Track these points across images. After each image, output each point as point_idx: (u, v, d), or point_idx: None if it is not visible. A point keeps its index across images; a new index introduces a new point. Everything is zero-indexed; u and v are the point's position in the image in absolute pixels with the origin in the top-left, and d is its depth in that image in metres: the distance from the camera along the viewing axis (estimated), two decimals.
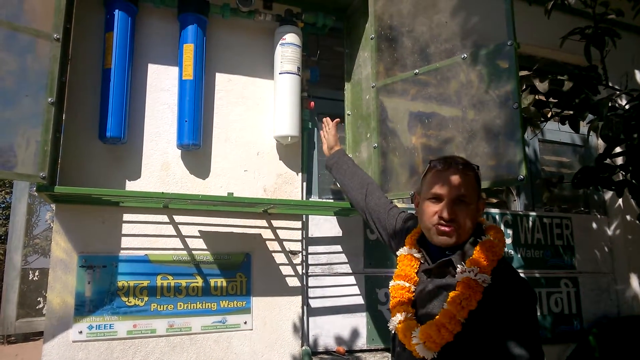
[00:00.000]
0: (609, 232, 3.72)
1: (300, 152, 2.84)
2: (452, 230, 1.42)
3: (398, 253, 1.62)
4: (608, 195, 3.77)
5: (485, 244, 1.42)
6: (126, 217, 2.42)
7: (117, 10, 2.38)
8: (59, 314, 2.24)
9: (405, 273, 1.53)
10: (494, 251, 1.40)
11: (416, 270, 1.53)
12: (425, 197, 1.49)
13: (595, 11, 2.71)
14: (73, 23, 2.36)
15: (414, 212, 1.72)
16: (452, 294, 1.37)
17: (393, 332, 1.50)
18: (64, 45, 2.11)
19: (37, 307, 7.52)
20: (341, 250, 2.88)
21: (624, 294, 3.59)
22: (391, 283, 1.55)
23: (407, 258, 1.57)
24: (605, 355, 3.29)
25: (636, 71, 3.89)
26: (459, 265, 1.40)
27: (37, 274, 7.76)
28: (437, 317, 1.36)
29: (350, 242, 2.90)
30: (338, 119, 2.52)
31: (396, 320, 1.46)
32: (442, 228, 1.43)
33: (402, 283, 1.51)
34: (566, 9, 3.52)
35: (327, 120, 2.50)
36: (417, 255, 1.55)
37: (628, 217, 3.64)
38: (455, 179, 1.44)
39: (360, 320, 2.83)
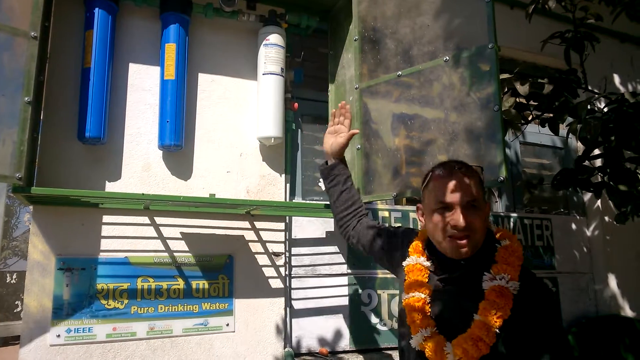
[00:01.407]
0: (588, 233, 3.78)
1: (284, 153, 2.83)
2: (469, 239, 1.32)
3: (405, 263, 1.51)
4: (587, 196, 3.83)
5: (507, 249, 1.36)
6: (106, 218, 2.38)
7: (97, 9, 2.34)
8: (36, 318, 2.19)
9: (418, 284, 1.42)
10: (518, 256, 1.35)
11: (427, 280, 1.43)
12: (433, 208, 1.37)
13: (575, 16, 2.75)
14: (52, 21, 2.32)
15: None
16: (482, 304, 1.29)
17: (415, 349, 1.38)
18: (42, 43, 2.07)
19: (15, 311, 7.37)
20: (324, 251, 2.87)
21: (602, 294, 3.65)
22: (404, 296, 1.44)
23: (416, 268, 1.45)
24: (585, 354, 3.34)
25: (614, 75, 3.96)
26: (486, 273, 1.33)
27: (14, 276, 7.61)
28: (471, 329, 1.28)
29: (334, 244, 2.90)
30: (357, 130, 2.19)
31: (420, 336, 1.35)
32: (459, 241, 1.32)
33: (417, 295, 1.40)
34: (547, 13, 3.58)
35: (346, 109, 2.02)
36: (427, 263, 1.45)
37: (606, 218, 3.70)
38: (462, 183, 1.35)
39: (343, 322, 2.83)
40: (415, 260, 1.47)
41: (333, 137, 1.98)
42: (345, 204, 1.88)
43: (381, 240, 1.71)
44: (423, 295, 1.39)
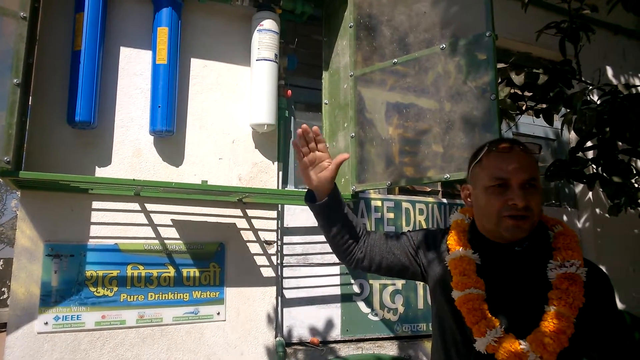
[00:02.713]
0: (579, 225, 3.80)
1: (277, 140, 2.80)
2: (526, 220, 1.21)
3: (448, 258, 1.34)
4: (578, 188, 3.85)
5: (566, 235, 1.27)
6: (95, 204, 2.34)
7: None
8: (23, 305, 2.15)
9: (469, 279, 1.27)
10: (577, 242, 1.26)
11: (477, 274, 1.28)
12: (486, 185, 1.25)
13: (571, 6, 2.74)
14: (42, 2, 2.26)
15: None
16: (553, 293, 1.20)
17: (482, 352, 1.22)
18: (31, 24, 2.03)
19: (1, 298, 7.29)
20: (317, 240, 2.85)
21: None
22: (457, 294, 1.27)
23: (464, 261, 1.30)
24: None
25: (607, 67, 3.97)
26: (551, 261, 1.23)
27: (1, 263, 7.52)
28: (547, 322, 1.18)
29: None
30: (348, 155, 1.53)
31: (489, 339, 1.20)
32: (516, 221, 1.20)
33: (474, 291, 1.25)
34: (542, 4, 3.57)
35: (314, 131, 1.43)
36: (474, 256, 1.30)
37: (598, 210, 3.72)
38: (522, 160, 1.23)
39: (335, 311, 2.82)
40: (461, 253, 1.31)
41: (314, 172, 1.41)
42: (348, 232, 1.46)
43: (407, 242, 1.48)
44: (480, 292, 1.25)
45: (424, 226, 3.15)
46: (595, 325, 1.21)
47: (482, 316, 1.22)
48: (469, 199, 1.34)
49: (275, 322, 2.64)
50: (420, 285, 3.04)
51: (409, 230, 1.53)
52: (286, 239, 2.78)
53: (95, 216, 2.34)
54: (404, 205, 3.13)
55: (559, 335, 1.15)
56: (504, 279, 1.27)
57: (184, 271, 2.46)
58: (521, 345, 1.17)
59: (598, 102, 2.59)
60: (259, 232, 2.67)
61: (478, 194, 1.29)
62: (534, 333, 1.17)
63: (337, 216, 1.44)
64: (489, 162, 1.27)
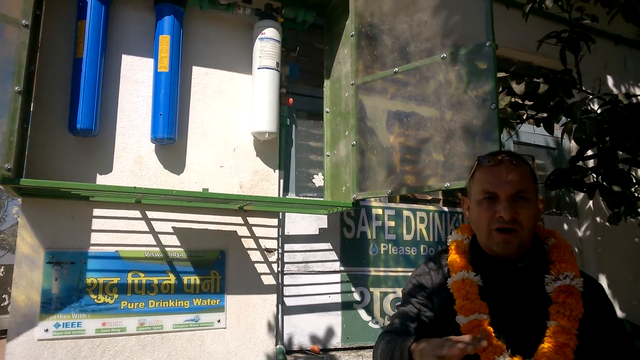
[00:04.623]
0: (580, 233, 3.80)
1: (278, 148, 2.81)
2: (515, 232, 1.21)
3: (450, 281, 1.31)
4: (579, 197, 3.84)
5: (559, 246, 1.28)
6: (96, 212, 2.35)
7: None
8: (23, 312, 2.15)
9: (473, 303, 1.25)
10: (571, 252, 1.27)
11: (479, 297, 1.26)
12: (478, 199, 1.27)
13: (571, 16, 2.75)
14: (44, 9, 2.28)
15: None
16: (553, 307, 1.19)
17: None
18: (33, 32, 2.04)
19: (2, 305, 7.28)
20: (317, 248, 2.86)
21: None
22: (461, 320, 1.24)
23: (465, 284, 1.28)
24: None
25: (608, 76, 3.98)
26: (547, 276, 1.23)
27: (2, 270, 7.51)
28: (550, 337, 1.16)
29: (327, 241, 2.88)
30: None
31: None
32: (504, 235, 1.21)
33: (479, 317, 1.22)
34: (542, 14, 3.59)
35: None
36: (475, 278, 1.28)
37: (598, 219, 3.72)
38: (510, 172, 1.24)
39: (336, 319, 2.82)
40: (462, 276, 1.29)
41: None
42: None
43: (415, 308, 1.35)
44: (485, 316, 1.22)
45: (425, 234, 3.15)
46: (599, 335, 1.20)
47: (489, 342, 1.19)
48: (467, 212, 1.36)
49: (276, 329, 2.63)
50: None
51: (403, 290, 1.43)
52: (287, 246, 2.78)
53: (96, 224, 2.34)
54: (405, 213, 3.13)
55: (563, 350, 1.14)
56: (507, 298, 1.26)
57: (185, 279, 2.46)
58: None
59: (598, 112, 2.60)
60: (260, 240, 2.67)
61: (472, 207, 1.31)
62: (539, 351, 1.16)
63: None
64: (480, 176, 1.29)
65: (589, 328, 1.20)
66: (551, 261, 1.26)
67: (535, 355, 1.17)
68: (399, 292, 2.98)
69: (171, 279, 2.43)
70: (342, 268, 2.89)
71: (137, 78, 2.52)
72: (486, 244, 1.29)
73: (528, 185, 1.25)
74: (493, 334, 1.21)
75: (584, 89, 2.82)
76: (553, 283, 1.22)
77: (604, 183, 2.61)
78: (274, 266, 2.68)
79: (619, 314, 3.66)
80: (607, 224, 2.87)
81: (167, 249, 2.45)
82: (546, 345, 1.16)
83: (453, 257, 1.35)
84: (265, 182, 2.74)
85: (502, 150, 1.34)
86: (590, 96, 2.66)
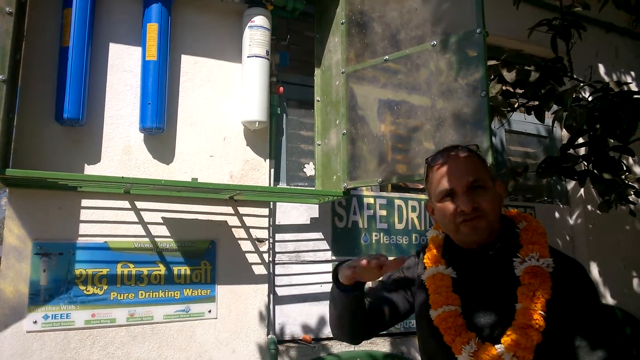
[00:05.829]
0: (571, 221, 3.82)
1: (268, 138, 2.79)
2: (480, 219, 1.23)
3: (424, 276, 1.36)
4: (570, 185, 3.86)
5: (528, 229, 1.28)
6: (85, 202, 2.32)
7: None
8: (11, 304, 2.13)
9: (444, 296, 1.28)
10: (541, 233, 1.27)
11: (452, 289, 1.29)
12: (438, 199, 1.29)
13: (562, 3, 2.74)
14: None
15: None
16: (519, 289, 1.20)
17: None
18: (18, 20, 2.00)
19: None
20: (309, 238, 2.85)
21: None
22: (433, 313, 1.28)
23: (437, 278, 1.32)
24: None
25: (599, 65, 3.98)
26: (514, 259, 1.24)
27: None
28: (516, 320, 1.18)
29: (318, 230, 2.88)
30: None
31: (466, 354, 1.19)
32: (470, 222, 1.23)
33: (449, 308, 1.26)
34: (534, 1, 3.58)
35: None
36: (447, 271, 1.32)
37: (589, 207, 3.74)
38: (460, 165, 1.27)
39: (327, 309, 2.81)
40: (435, 271, 1.34)
41: (375, 272, 1.21)
42: (363, 315, 1.44)
43: (397, 286, 1.46)
44: (454, 308, 1.26)
45: (417, 223, 3.15)
46: (573, 316, 1.20)
47: (458, 332, 1.23)
48: (433, 215, 1.38)
49: (267, 319, 2.63)
50: None
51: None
52: (278, 236, 2.77)
53: (84, 214, 2.32)
54: (397, 202, 3.13)
55: (527, 331, 1.15)
56: (480, 287, 1.28)
57: (175, 269, 2.44)
58: (497, 350, 1.17)
59: (589, 99, 2.60)
60: (251, 230, 2.66)
61: (436, 208, 1.33)
62: (506, 334, 1.18)
63: (360, 303, 1.41)
64: (433, 177, 1.32)
65: (562, 308, 1.19)
66: (521, 245, 1.27)
67: (503, 338, 1.18)
68: None
69: (161, 269, 2.42)
70: (333, 257, 2.89)
71: (125, 67, 2.48)
72: (457, 239, 1.32)
73: (480, 173, 1.27)
74: (464, 325, 1.23)
75: (575, 77, 2.82)
76: (520, 265, 1.23)
77: (595, 171, 2.62)
78: (265, 256, 2.68)
79: (610, 301, 3.69)
80: (598, 211, 2.89)
81: (156, 239, 2.43)
82: (512, 327, 1.18)
83: (428, 252, 1.40)
84: (255, 171, 2.72)
85: (446, 147, 1.36)
86: (582, 84, 2.66)
